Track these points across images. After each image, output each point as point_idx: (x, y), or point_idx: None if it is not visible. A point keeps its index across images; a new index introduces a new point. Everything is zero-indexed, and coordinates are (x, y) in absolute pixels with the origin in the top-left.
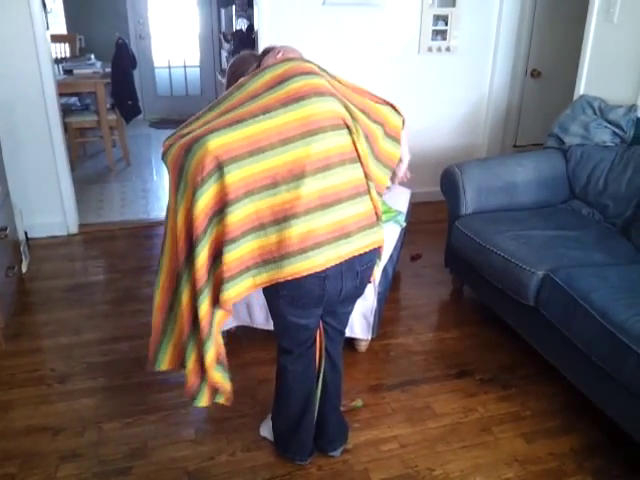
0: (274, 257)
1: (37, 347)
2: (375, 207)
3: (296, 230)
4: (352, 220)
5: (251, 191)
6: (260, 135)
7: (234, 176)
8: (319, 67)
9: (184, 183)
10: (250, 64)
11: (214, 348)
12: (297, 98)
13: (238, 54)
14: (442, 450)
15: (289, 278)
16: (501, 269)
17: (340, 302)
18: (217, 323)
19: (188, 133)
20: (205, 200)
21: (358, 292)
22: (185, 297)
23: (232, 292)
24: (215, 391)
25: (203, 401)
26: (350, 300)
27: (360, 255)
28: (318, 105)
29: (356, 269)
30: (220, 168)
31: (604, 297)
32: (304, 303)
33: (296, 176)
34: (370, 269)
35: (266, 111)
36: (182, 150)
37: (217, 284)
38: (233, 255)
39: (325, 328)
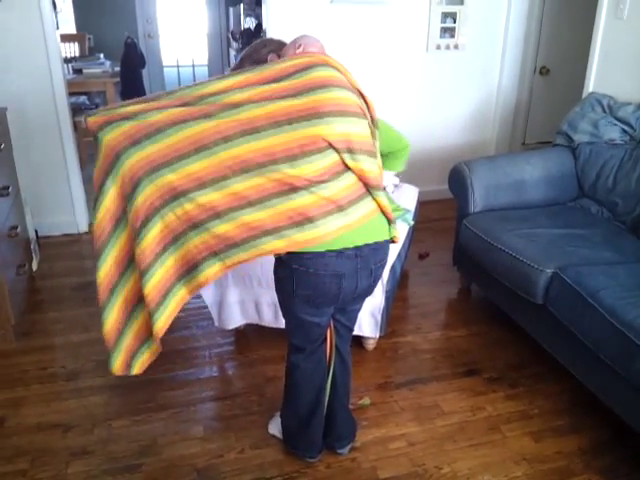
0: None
1: (48, 345)
2: (362, 177)
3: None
4: (313, 206)
5: (218, 178)
6: (200, 135)
7: (189, 169)
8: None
9: (116, 172)
10: (269, 48)
11: (165, 317)
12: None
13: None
14: (450, 448)
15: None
16: (509, 267)
17: (352, 300)
18: (181, 300)
19: (142, 114)
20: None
21: (370, 290)
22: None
23: (210, 271)
24: (129, 362)
25: (115, 366)
26: (362, 298)
27: (375, 252)
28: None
29: (370, 267)
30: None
31: (613, 295)
32: (320, 302)
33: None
34: (382, 267)
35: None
36: (128, 142)
37: (184, 266)
38: (222, 228)
39: (335, 325)
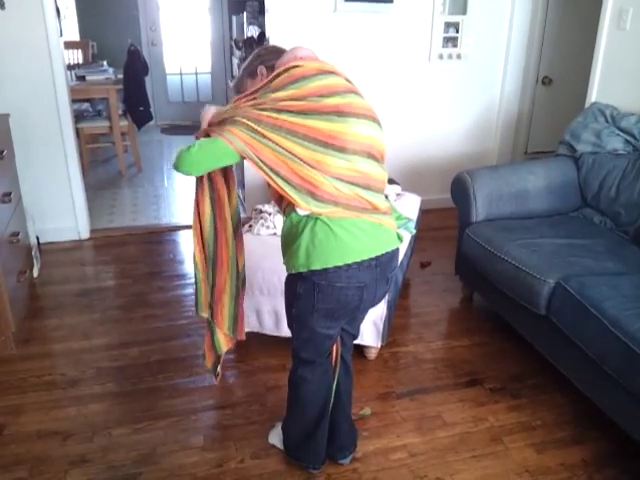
0: None
1: (47, 352)
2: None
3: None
4: None
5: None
6: None
7: None
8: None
9: None
10: (260, 59)
11: None
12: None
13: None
14: (452, 460)
15: None
16: (512, 277)
17: (367, 309)
18: None
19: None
20: None
21: (383, 297)
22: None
23: None
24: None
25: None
26: (375, 306)
27: (390, 260)
28: None
29: (387, 275)
30: None
31: (616, 306)
32: (340, 314)
33: None
34: (395, 275)
35: None
36: None
37: None
38: None
39: (341, 335)
